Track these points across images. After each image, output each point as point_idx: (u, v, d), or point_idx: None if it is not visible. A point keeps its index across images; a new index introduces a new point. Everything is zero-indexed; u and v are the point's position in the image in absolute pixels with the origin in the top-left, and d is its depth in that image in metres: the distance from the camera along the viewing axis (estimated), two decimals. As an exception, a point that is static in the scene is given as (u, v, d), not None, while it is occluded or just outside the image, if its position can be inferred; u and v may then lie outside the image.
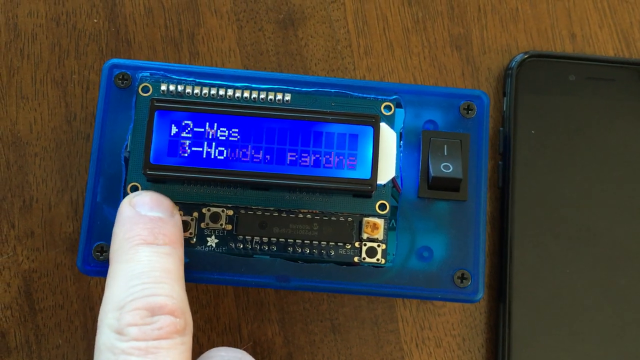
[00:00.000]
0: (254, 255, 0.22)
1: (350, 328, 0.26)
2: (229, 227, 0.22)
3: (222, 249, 0.22)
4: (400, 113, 0.22)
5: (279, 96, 0.22)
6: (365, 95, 0.22)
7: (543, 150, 0.26)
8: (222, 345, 0.25)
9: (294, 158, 0.21)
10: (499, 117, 0.27)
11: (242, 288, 0.26)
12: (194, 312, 0.25)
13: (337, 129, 0.21)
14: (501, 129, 0.27)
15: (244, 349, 0.23)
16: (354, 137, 0.21)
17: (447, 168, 0.21)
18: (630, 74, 0.27)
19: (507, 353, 0.25)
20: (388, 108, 0.22)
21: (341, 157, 0.21)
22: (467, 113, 0.22)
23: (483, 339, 0.26)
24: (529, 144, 0.26)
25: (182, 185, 0.21)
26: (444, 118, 0.22)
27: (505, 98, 0.27)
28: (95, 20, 0.27)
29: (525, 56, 0.27)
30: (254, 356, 0.25)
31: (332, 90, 0.22)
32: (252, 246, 0.22)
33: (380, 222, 0.21)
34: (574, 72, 0.27)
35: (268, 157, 0.21)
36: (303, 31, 0.28)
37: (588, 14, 0.28)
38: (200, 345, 0.25)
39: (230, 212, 0.22)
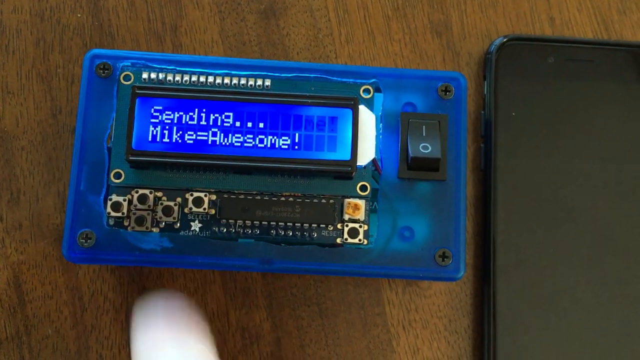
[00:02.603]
0: (238, 239, 0.22)
1: (337, 312, 0.26)
2: (212, 211, 0.22)
3: (205, 233, 0.22)
4: (379, 96, 0.23)
5: (259, 82, 0.22)
6: (344, 80, 0.23)
7: (524, 132, 0.27)
8: (211, 332, 0.25)
9: (274, 141, 0.21)
10: (480, 101, 0.28)
11: (230, 275, 0.26)
12: (181, 300, 0.26)
13: (316, 112, 0.22)
14: (482, 112, 0.27)
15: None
16: (334, 120, 0.22)
17: (425, 148, 0.22)
18: (608, 54, 0.27)
19: (493, 334, 0.25)
20: (367, 91, 0.23)
21: (321, 140, 0.22)
22: (445, 94, 0.23)
23: (469, 320, 0.26)
24: (509, 126, 0.27)
25: (165, 171, 0.22)
26: (422, 100, 0.23)
27: (485, 82, 0.27)
28: (78, 15, 0.28)
29: (504, 40, 0.27)
30: (242, 342, 0.25)
31: (312, 75, 0.23)
32: (235, 230, 0.22)
33: (362, 203, 0.22)
34: (553, 55, 0.27)
35: (249, 141, 0.22)
36: (285, 21, 0.28)
37: (566, -3, 0.29)
38: (189, 332, 0.26)
39: (214, 197, 0.22)
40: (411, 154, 0.22)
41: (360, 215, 0.22)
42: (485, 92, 0.27)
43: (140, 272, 0.26)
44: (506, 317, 0.25)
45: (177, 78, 0.22)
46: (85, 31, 0.28)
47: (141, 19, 0.28)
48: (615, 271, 0.26)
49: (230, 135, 0.21)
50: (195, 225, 0.22)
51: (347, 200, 0.22)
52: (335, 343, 0.26)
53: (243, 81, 0.22)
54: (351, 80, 0.23)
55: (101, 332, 0.26)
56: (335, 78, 0.23)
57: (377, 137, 0.22)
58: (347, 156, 0.21)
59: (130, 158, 0.21)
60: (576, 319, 0.25)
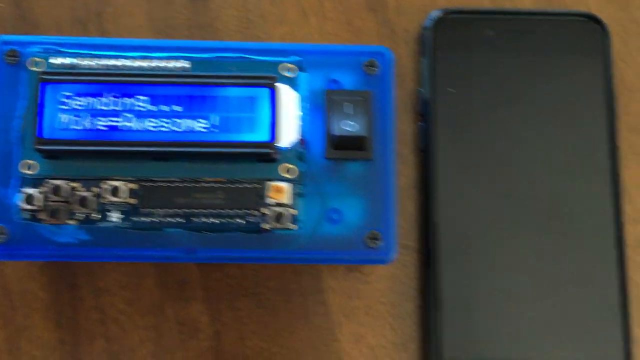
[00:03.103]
0: (160, 229, 0.21)
1: (277, 302, 0.25)
2: (133, 201, 0.21)
3: (126, 224, 0.21)
4: (303, 75, 0.22)
5: (178, 64, 0.22)
6: (266, 59, 0.22)
7: (464, 108, 0.26)
8: (146, 328, 0.24)
9: (191, 125, 0.20)
10: (419, 79, 0.27)
11: (165, 267, 0.25)
12: (113, 294, 0.25)
13: (234, 92, 0.21)
14: (420, 89, 0.26)
15: None
16: (252, 100, 0.21)
17: (349, 126, 0.21)
18: (549, 25, 0.27)
19: (438, 317, 0.24)
20: (290, 69, 0.22)
21: (240, 121, 0.21)
22: (371, 70, 0.22)
23: (414, 305, 0.25)
24: (449, 103, 0.26)
25: (79, 160, 0.21)
26: (347, 77, 0.22)
27: (422, 58, 0.26)
28: (1, 5, 0.27)
29: (441, 14, 0.26)
30: (180, 337, 0.24)
31: (232, 55, 0.22)
32: (156, 219, 0.21)
33: (285, 185, 0.21)
34: (492, 27, 0.26)
35: (165, 125, 0.21)
36: (214, 2, 0.27)
37: (506, -31, 0.28)
38: (121, 329, 0.25)
39: (133, 186, 0.21)
40: (335, 132, 0.21)
41: (285, 198, 0.21)
42: (422, 69, 0.26)
43: (70, 268, 0.25)
44: (450, 300, 0.24)
45: (89, 62, 0.21)
46: (7, 22, 0.26)
47: (64, 6, 0.27)
48: (559, 250, 0.25)
49: (145, 120, 0.20)
50: (115, 216, 0.21)
51: (269, 183, 0.21)
52: (276, 334, 0.25)
53: (161, 63, 0.21)
54: (274, 58, 0.22)
55: (32, 332, 0.25)
56: (257, 57, 0.22)
57: (302, 117, 0.21)
58: (266, 137, 0.20)
59: (39, 147, 0.20)
60: (521, 300, 0.25)
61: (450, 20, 0.26)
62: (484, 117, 0.26)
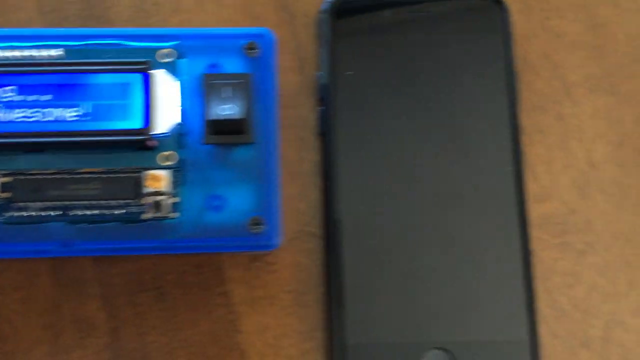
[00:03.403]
0: (36, 222, 0.20)
1: (177, 295, 0.25)
2: (6, 195, 0.20)
3: (1, 219, 0.20)
4: (183, 61, 0.21)
5: (52, 52, 0.21)
6: (144, 44, 0.21)
7: (364, 92, 0.25)
8: (42, 327, 0.24)
9: (62, 114, 0.20)
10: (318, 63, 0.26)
11: (58, 265, 0.24)
12: (6, 295, 0.24)
13: (106, 79, 0.20)
14: (319, 73, 0.26)
15: None
16: (125, 87, 0.20)
17: (227, 110, 0.20)
18: (448, 5, 0.26)
19: (341, 304, 0.24)
20: (168, 55, 0.21)
21: (113, 109, 0.20)
22: (251, 52, 0.21)
23: (319, 292, 0.25)
24: (348, 87, 0.25)
25: (-54, 155, 0.20)
26: (228, 61, 0.21)
27: (320, 42, 0.26)
28: None
29: (337, -4, 0.26)
30: (77, 335, 0.24)
31: (108, 42, 0.21)
32: (31, 213, 0.20)
33: (163, 173, 0.20)
34: (389, 9, 0.26)
35: (35, 115, 0.20)
36: (108, -7, 0.27)
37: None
38: (15, 329, 0.24)
39: (7, 179, 0.20)
40: (211, 116, 0.20)
41: (163, 186, 0.20)
42: (320, 53, 0.26)
43: (-40, 269, 0.24)
44: (353, 286, 0.24)
45: (-43, 54, 0.21)
46: None
47: (-48, 2, 0.26)
48: (463, 232, 0.24)
49: (14, 110, 0.20)
50: (-13, 211, 0.20)
51: (147, 172, 0.20)
52: (177, 327, 0.24)
53: (34, 52, 0.21)
54: (151, 44, 0.21)
55: None
56: (133, 43, 0.21)
57: (180, 103, 0.21)
58: (139, 124, 0.20)
59: None
60: (425, 283, 0.24)
61: (347, 3, 0.26)
62: (384, 100, 0.25)
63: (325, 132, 0.25)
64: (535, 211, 0.26)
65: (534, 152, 0.26)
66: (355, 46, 0.26)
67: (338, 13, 0.26)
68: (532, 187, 0.26)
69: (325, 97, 0.25)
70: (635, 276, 0.25)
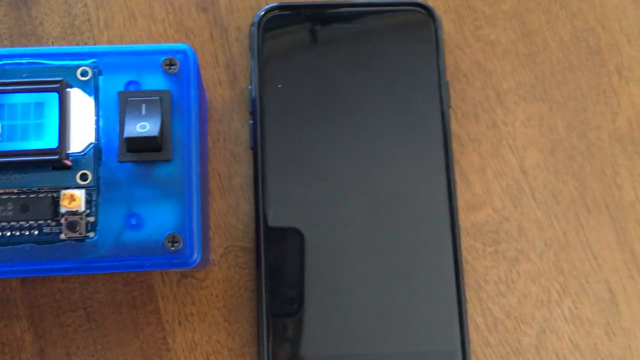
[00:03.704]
0: (-51, 246, 0.20)
1: (106, 314, 0.24)
2: None
3: None
4: (100, 78, 0.21)
5: (-36, 73, 0.21)
6: (60, 63, 0.21)
7: (292, 104, 0.25)
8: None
9: (-27, 135, 0.20)
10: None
11: (-16, 286, 0.24)
12: None
13: (20, 99, 0.20)
14: (249, 87, 0.26)
15: None
16: (40, 106, 0.20)
17: (143, 127, 0.20)
18: (376, 16, 0.26)
19: (268, 320, 0.24)
20: (84, 73, 0.21)
21: (27, 128, 0.20)
22: (170, 69, 0.21)
23: (250, 307, 0.25)
24: (277, 100, 0.25)
25: None
26: (146, 77, 0.21)
27: (251, 55, 0.26)
28: None
29: (266, 9, 0.26)
30: (1, 358, 0.23)
31: (24, 61, 0.21)
32: (-55, 236, 0.20)
33: (78, 192, 0.20)
34: (319, 21, 0.26)
35: (-54, 137, 0.20)
36: (37, 10, 0.26)
37: (340, -38, 0.28)
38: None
39: None
40: (126, 134, 0.20)
41: (79, 206, 0.20)
42: (251, 67, 0.26)
43: None
44: (279, 301, 0.24)
45: None
46: None
47: None
48: (395, 242, 0.24)
49: None
50: None
51: (63, 191, 0.20)
52: (105, 347, 0.24)
53: (-55, 74, 0.21)
54: (68, 62, 0.21)
55: None
56: (50, 62, 0.21)
57: (96, 121, 0.21)
58: (54, 144, 0.20)
59: None
60: (355, 295, 0.24)
61: (276, 17, 0.26)
62: (314, 112, 0.25)
63: (254, 146, 0.25)
64: (468, 220, 0.26)
65: (467, 160, 0.26)
66: (285, 59, 0.26)
67: (268, 26, 0.26)
68: (465, 195, 0.26)
69: (254, 111, 0.25)
70: (568, 283, 0.25)
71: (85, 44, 0.26)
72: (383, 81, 0.26)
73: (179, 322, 0.24)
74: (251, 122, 0.25)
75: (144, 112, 0.20)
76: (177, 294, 0.25)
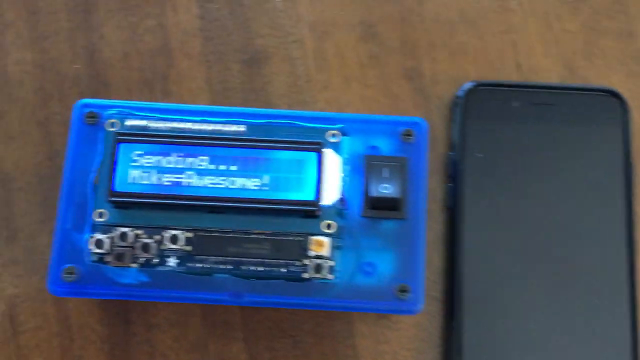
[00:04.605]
0: (211, 274, 0.23)
1: (311, 344, 0.27)
2: (188, 248, 0.23)
3: (181, 269, 0.23)
4: (346, 140, 0.24)
5: (235, 128, 0.24)
6: (314, 125, 0.24)
7: (490, 172, 0.28)
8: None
9: (245, 183, 0.23)
10: (449, 143, 0.29)
11: (209, 308, 0.28)
12: (163, 332, 0.27)
13: (285, 155, 0.23)
14: (450, 153, 0.29)
15: None
16: (301, 163, 0.23)
17: (386, 189, 0.23)
18: (571, 98, 0.29)
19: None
20: (334, 136, 0.24)
21: (288, 181, 0.23)
22: (407, 138, 0.24)
23: (437, 352, 0.27)
24: (476, 167, 0.28)
25: (145, 210, 0.23)
26: (386, 144, 0.24)
27: (453, 125, 0.29)
28: (76, 66, 0.30)
29: (472, 85, 0.29)
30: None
31: (284, 122, 0.24)
32: (209, 265, 0.23)
33: (326, 240, 0.23)
34: (518, 99, 0.29)
35: (222, 182, 0.23)
36: (267, 69, 0.30)
37: (533, 44, 0.30)
38: (169, 363, 0.27)
39: (189, 234, 0.23)
40: (372, 194, 0.23)
41: (325, 251, 0.23)
42: (453, 135, 0.29)
43: (126, 305, 0.28)
44: (471, 351, 0.26)
45: (159, 125, 0.24)
46: (82, 81, 0.30)
47: (134, 68, 0.30)
48: (576, 307, 0.27)
49: (204, 177, 0.23)
50: (172, 261, 0.23)
51: (312, 237, 0.23)
52: (309, 374, 0.27)
53: (219, 127, 0.24)
54: (320, 125, 0.24)
55: (88, 362, 0.27)
56: (305, 124, 0.24)
57: (342, 178, 0.24)
58: (312, 196, 0.23)
59: (111, 199, 0.23)
60: (539, 354, 0.26)
61: (481, 92, 0.29)
62: (508, 182, 0.28)
63: (453, 206, 0.28)
64: (646, 295, 0.27)
65: (647, 238, 0.28)
66: (485, 130, 0.28)
67: (472, 99, 0.29)
68: (642, 272, 0.28)
69: (454, 175, 0.28)
70: None
71: (306, 102, 0.30)
72: (573, 159, 0.28)
73: (373, 358, 0.27)
74: (449, 185, 0.28)
75: (386, 174, 0.23)
76: (373, 333, 0.27)
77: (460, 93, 0.29)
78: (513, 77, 0.30)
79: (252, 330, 0.27)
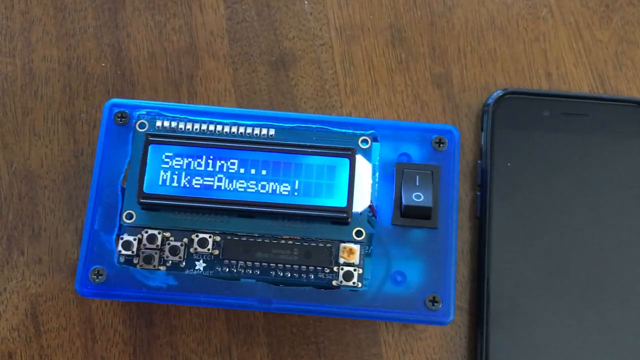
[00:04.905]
0: (239, 279, 0.23)
1: (335, 351, 0.27)
2: (216, 252, 0.23)
3: (209, 273, 0.23)
4: (376, 146, 0.24)
5: (264, 131, 0.24)
6: (344, 130, 0.24)
7: (519, 181, 0.28)
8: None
9: (275, 188, 0.23)
10: (477, 151, 0.29)
11: (233, 312, 0.27)
12: (187, 335, 0.27)
13: (316, 161, 0.23)
14: (479, 161, 0.28)
15: None
16: (332, 169, 0.23)
17: (418, 197, 0.23)
18: (601, 109, 0.28)
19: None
20: (365, 142, 0.24)
21: (319, 187, 0.23)
22: (439, 146, 0.24)
23: (463, 363, 0.27)
24: (505, 176, 0.28)
25: (173, 213, 0.23)
26: (417, 151, 0.24)
27: (482, 133, 0.29)
28: (103, 64, 0.30)
29: (502, 93, 0.28)
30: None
31: (314, 126, 0.24)
32: (237, 270, 0.23)
33: (356, 247, 0.23)
34: (548, 108, 0.28)
35: (252, 187, 0.23)
36: (294, 72, 0.30)
37: (563, 53, 0.30)
38: (192, 366, 0.27)
39: (218, 238, 0.23)
40: (404, 202, 0.23)
41: (355, 259, 0.23)
42: (482, 143, 0.28)
43: (149, 307, 0.27)
44: (498, 361, 0.26)
45: (188, 126, 0.24)
46: (108, 79, 0.30)
47: (160, 68, 0.30)
48: (607, 319, 0.26)
49: (234, 181, 0.23)
50: (200, 265, 0.23)
51: (342, 244, 0.23)
52: (332, 381, 0.27)
53: (249, 130, 0.24)
54: (350, 130, 0.24)
55: (110, 364, 0.27)
56: (335, 129, 0.24)
57: (373, 185, 0.24)
58: (343, 203, 0.23)
59: (141, 201, 0.23)
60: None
61: (510, 100, 0.28)
62: (536, 190, 0.28)
63: (481, 216, 0.28)
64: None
65: (675, 252, 0.28)
66: (515, 139, 0.28)
67: (501, 107, 0.28)
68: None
69: (483, 183, 0.28)
70: None
71: (333, 106, 0.29)
72: (602, 168, 0.28)
73: (399, 368, 0.27)
74: (479, 193, 0.28)
75: (418, 183, 0.23)
76: (398, 342, 0.27)
77: (489, 101, 0.29)
78: (542, 85, 0.30)
79: (276, 336, 0.27)
